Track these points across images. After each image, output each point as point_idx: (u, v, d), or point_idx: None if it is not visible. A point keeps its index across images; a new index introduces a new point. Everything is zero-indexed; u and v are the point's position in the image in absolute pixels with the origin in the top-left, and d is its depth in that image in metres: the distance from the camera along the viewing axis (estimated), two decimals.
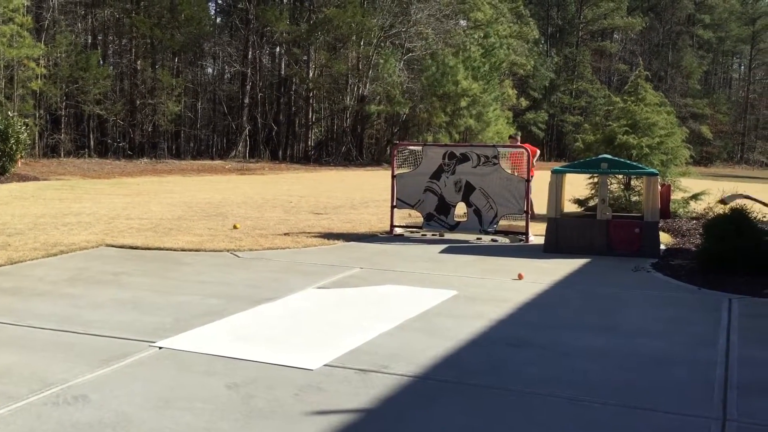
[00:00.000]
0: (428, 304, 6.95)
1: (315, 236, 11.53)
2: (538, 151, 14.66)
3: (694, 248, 10.63)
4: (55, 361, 4.98)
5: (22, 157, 24.10)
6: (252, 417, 4.11)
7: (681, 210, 15.14)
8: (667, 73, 75.23)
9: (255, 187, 23.72)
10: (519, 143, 14.60)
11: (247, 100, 48.53)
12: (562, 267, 9.24)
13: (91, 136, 42.92)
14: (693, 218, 14.70)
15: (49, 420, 3.99)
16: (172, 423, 3.99)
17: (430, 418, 4.15)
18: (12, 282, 7.61)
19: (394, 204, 12.14)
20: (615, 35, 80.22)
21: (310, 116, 50.75)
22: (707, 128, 69.88)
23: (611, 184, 14.70)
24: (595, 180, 14.75)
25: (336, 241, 11.10)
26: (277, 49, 51.48)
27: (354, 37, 47.30)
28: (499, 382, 4.75)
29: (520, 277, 8.28)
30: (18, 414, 4.07)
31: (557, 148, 71.65)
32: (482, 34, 49.70)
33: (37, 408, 4.16)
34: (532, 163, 12.58)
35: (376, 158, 48.47)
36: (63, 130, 40.24)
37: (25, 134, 23.07)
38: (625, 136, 14.75)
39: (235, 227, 12.10)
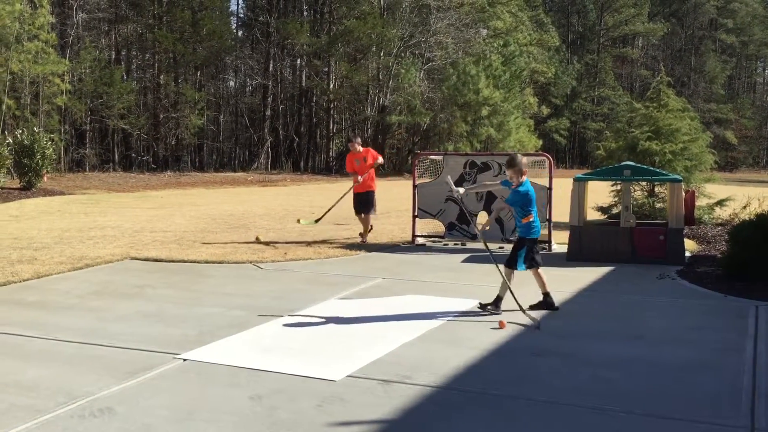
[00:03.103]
0: (450, 313, 6.94)
1: (337, 247, 11.55)
2: (380, 158, 12.51)
3: (719, 255, 10.49)
4: (81, 374, 5.04)
5: (47, 171, 24.43)
6: (275, 428, 4.12)
7: (706, 216, 14.97)
8: (690, 79, 74.63)
9: (277, 198, 23.84)
10: (359, 149, 12.39)
11: (268, 113, 48.85)
12: (585, 275, 9.18)
13: (116, 151, 43.45)
14: (718, 224, 14.54)
15: None
16: None
17: (453, 429, 4.13)
18: (39, 296, 7.71)
19: (416, 214, 12.13)
20: (637, 41, 79.77)
21: (331, 127, 50.96)
22: (732, 133, 69.19)
23: (635, 191, 14.58)
24: (618, 187, 14.64)
25: (358, 252, 11.11)
26: (298, 61, 51.81)
27: (374, 48, 47.47)
28: (523, 392, 4.72)
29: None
30: (45, 427, 4.12)
31: (579, 156, 71.28)
32: (502, 43, 49.65)
33: (63, 421, 4.21)
34: (370, 172, 12.17)
35: (397, 168, 48.48)
36: (88, 145, 40.74)
37: (51, 149, 23.38)
38: (647, 142, 14.62)
39: (257, 239, 12.17)
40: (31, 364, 5.29)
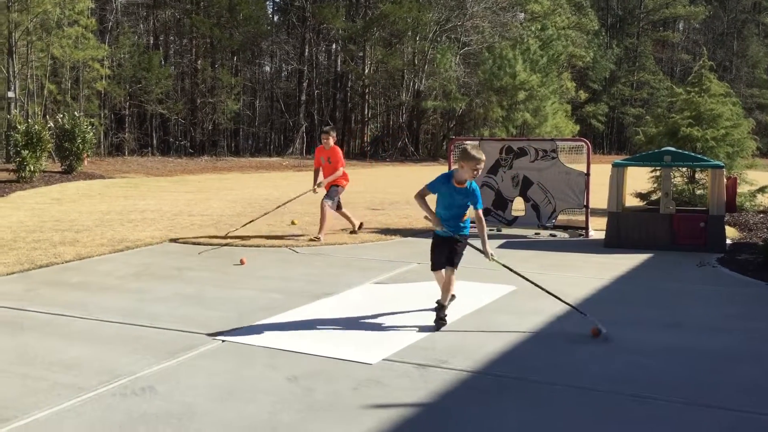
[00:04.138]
0: (487, 299, 6.92)
1: (372, 232, 11.58)
2: (340, 169, 10.60)
3: (761, 242, 10.30)
4: (123, 354, 5.13)
5: (88, 155, 24.85)
6: (312, 409, 4.16)
7: (747, 203, 14.71)
8: (732, 63, 73.04)
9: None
10: (332, 143, 10.66)
11: (303, 97, 49.02)
12: (623, 262, 9.08)
13: (154, 135, 44.02)
14: (760, 212, 14.27)
15: (118, 410, 4.12)
16: (235, 414, 4.07)
17: (488, 414, 4.13)
18: (81, 277, 7.86)
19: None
20: (677, 25, 78.18)
21: (366, 112, 50.98)
22: None
23: (674, 177, 14.36)
24: (658, 173, 14.44)
25: (393, 237, 11.13)
26: (333, 45, 51.87)
27: (410, 33, 47.30)
28: (558, 379, 4.70)
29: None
30: (88, 404, 4.21)
31: (617, 141, 70.34)
32: (539, 26, 49.08)
33: (106, 399, 4.30)
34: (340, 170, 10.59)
35: (433, 153, 48.40)
36: (127, 129, 41.35)
37: (91, 134, 23.77)
38: (689, 128, 14.38)
39: (293, 223, 12.25)
40: (74, 343, 5.40)
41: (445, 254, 6.14)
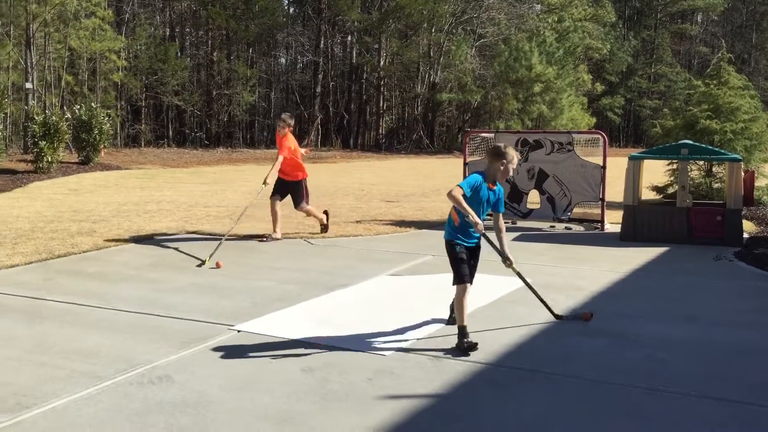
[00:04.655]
0: (501, 291, 6.92)
1: (387, 224, 11.59)
2: (280, 158, 9.71)
3: None
4: (140, 343, 5.18)
5: (105, 147, 24.98)
6: (327, 400, 4.19)
7: (765, 197, 14.58)
8: (750, 56, 72.22)
9: (327, 175, 23.97)
10: (285, 132, 9.83)
11: (319, 89, 48.98)
12: (639, 255, 9.04)
13: (170, 127, 44.16)
14: None
15: (135, 399, 4.16)
16: (251, 404, 4.10)
17: (502, 405, 4.14)
18: (98, 267, 7.93)
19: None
20: (696, 17, 77.40)
21: (381, 104, 50.86)
22: None
23: (691, 170, 14.26)
24: (675, 166, 14.34)
25: (408, 229, 11.14)
26: (349, 37, 51.75)
27: (425, 24, 47.10)
28: (572, 371, 4.70)
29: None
30: (106, 393, 4.26)
31: (634, 134, 69.80)
32: (556, 18, 48.77)
33: (123, 387, 4.34)
34: (296, 154, 9.89)
35: (448, 146, 48.26)
36: (143, 121, 41.51)
37: (108, 125, 23.88)
38: (707, 121, 14.26)
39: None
40: (92, 332, 5.46)
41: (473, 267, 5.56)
